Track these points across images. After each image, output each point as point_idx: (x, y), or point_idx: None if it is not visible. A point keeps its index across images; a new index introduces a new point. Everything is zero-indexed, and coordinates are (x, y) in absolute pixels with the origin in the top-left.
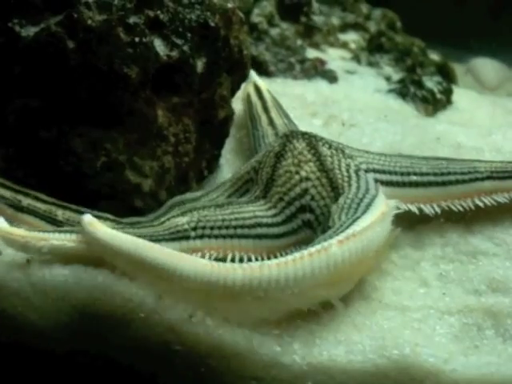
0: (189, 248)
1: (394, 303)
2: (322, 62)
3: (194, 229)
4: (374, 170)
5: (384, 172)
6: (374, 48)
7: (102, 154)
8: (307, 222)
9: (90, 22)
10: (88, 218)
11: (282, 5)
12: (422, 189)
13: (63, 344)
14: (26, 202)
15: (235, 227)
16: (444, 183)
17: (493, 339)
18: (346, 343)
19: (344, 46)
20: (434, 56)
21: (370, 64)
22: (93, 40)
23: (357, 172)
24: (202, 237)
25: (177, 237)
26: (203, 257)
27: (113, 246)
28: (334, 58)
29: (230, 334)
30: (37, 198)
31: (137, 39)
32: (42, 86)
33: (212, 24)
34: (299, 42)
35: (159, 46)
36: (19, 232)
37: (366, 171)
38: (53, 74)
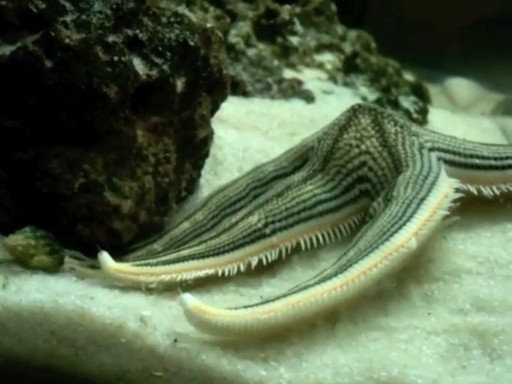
0: (267, 246)
1: (379, 324)
2: (299, 82)
3: (266, 225)
4: (439, 149)
5: (448, 151)
6: (350, 68)
7: (79, 175)
8: (364, 191)
9: (67, 40)
10: (191, 304)
11: (259, 25)
12: (483, 172)
13: (41, 370)
14: None
15: (298, 212)
16: (503, 167)
17: (480, 359)
18: (332, 366)
19: (320, 66)
20: (409, 76)
21: (346, 84)
22: (71, 59)
23: (420, 150)
24: (274, 231)
25: (255, 237)
26: (280, 252)
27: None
28: (311, 78)
29: (215, 358)
30: None
31: (116, 58)
32: (18, 106)
33: (191, 43)
34: (276, 62)
35: (138, 65)
36: (130, 269)
37: (431, 149)
38: (30, 93)
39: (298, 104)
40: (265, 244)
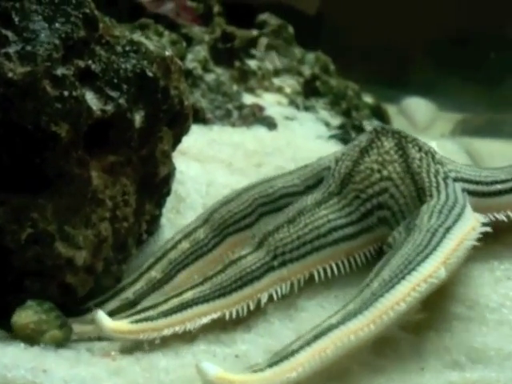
0: (277, 279)
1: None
2: (260, 108)
3: (275, 257)
4: (462, 179)
5: (471, 182)
6: (310, 92)
7: (27, 225)
8: (383, 218)
9: (11, 74)
10: (214, 375)
11: (216, 49)
12: (507, 196)
13: None
14: None
15: (311, 241)
16: None
17: None
18: None
19: (279, 90)
20: (368, 98)
21: (307, 108)
22: (15, 95)
23: (445, 179)
24: (284, 263)
25: (263, 271)
26: (292, 286)
27: None
28: (271, 103)
29: None
30: None
31: (66, 93)
32: None
33: (150, 74)
34: (235, 87)
35: (92, 99)
36: (129, 328)
37: (455, 180)
38: None
39: (260, 131)
40: (274, 277)
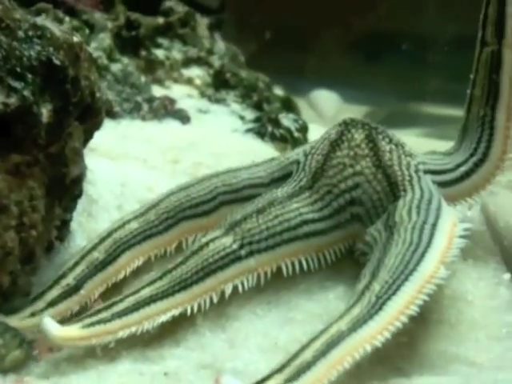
0: (243, 269)
1: None
2: (172, 101)
3: (242, 246)
4: (430, 171)
5: (438, 172)
6: (220, 84)
7: None
8: (356, 215)
9: None
10: None
11: (120, 38)
12: (474, 175)
13: None
14: None
15: (281, 232)
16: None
17: None
18: None
19: (189, 82)
20: (278, 91)
21: (218, 101)
22: None
23: (417, 172)
24: (252, 253)
25: (229, 260)
26: (258, 277)
27: None
28: (182, 95)
29: None
30: None
31: None
32: None
33: (57, 62)
34: (143, 78)
35: None
36: (79, 334)
37: (425, 172)
38: None
39: (173, 125)
40: (240, 268)
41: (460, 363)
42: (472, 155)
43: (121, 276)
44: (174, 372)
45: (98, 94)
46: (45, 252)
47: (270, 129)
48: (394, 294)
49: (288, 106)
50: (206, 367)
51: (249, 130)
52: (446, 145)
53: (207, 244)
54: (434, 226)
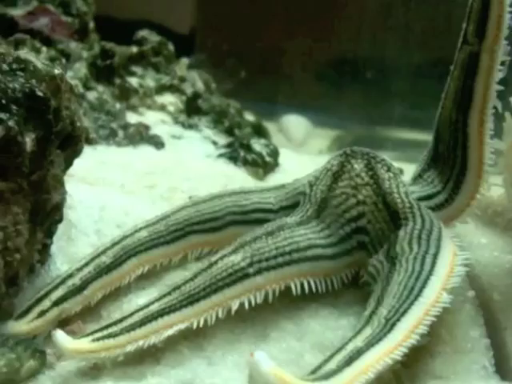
0: (251, 287)
1: None
2: (146, 127)
3: (251, 264)
4: (420, 198)
5: (426, 198)
6: (192, 110)
7: None
8: (362, 243)
9: None
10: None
11: (95, 66)
12: (459, 195)
13: None
14: None
15: (290, 252)
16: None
17: None
18: None
19: (162, 108)
20: (249, 116)
21: (190, 127)
22: None
23: (416, 201)
24: (260, 271)
25: (237, 278)
26: (266, 294)
27: None
28: (156, 121)
29: None
30: None
31: None
32: None
33: (40, 93)
34: (118, 105)
35: None
36: (89, 347)
37: (419, 200)
38: None
39: (147, 151)
40: (248, 286)
41: (428, 377)
42: (452, 169)
43: (125, 281)
44: None
45: (78, 123)
46: (27, 274)
47: (242, 154)
48: (402, 315)
49: (259, 130)
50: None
51: (221, 155)
52: (412, 167)
53: (216, 262)
54: (436, 255)
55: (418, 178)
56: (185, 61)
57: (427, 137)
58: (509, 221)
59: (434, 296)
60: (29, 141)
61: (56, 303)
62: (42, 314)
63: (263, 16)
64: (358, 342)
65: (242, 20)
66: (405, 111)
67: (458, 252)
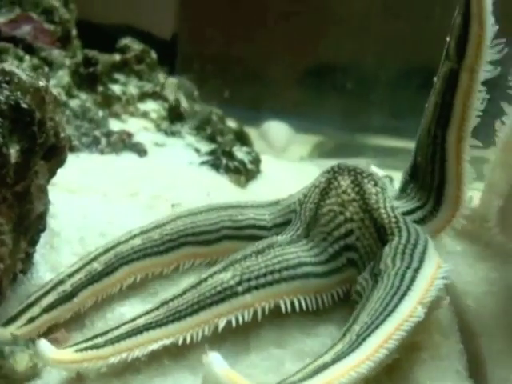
0: (239, 305)
1: None
2: (129, 135)
3: (240, 283)
4: (404, 213)
5: (410, 212)
6: (174, 117)
7: None
8: (352, 260)
9: None
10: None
11: (78, 74)
12: (443, 207)
13: None
14: None
15: (280, 270)
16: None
17: None
18: None
19: (144, 115)
20: (231, 123)
21: (173, 134)
22: None
23: (402, 215)
24: (249, 290)
25: (225, 295)
26: (255, 313)
27: None
28: (138, 129)
29: None
30: None
31: None
32: None
33: (24, 105)
34: (101, 113)
35: None
36: (72, 357)
37: (404, 214)
38: None
39: (130, 158)
40: (236, 304)
41: (406, 382)
42: (432, 183)
43: (116, 289)
44: None
45: (62, 134)
46: (10, 283)
47: (224, 161)
48: (373, 331)
49: (241, 137)
50: None
51: (204, 163)
52: (392, 174)
53: (206, 279)
54: (417, 270)
55: (402, 191)
56: (173, 81)
57: (407, 144)
58: (482, 228)
59: (407, 311)
60: (13, 152)
61: (46, 310)
62: (32, 320)
63: (245, 22)
64: (327, 357)
65: (224, 26)
66: (383, 119)
67: (442, 264)
